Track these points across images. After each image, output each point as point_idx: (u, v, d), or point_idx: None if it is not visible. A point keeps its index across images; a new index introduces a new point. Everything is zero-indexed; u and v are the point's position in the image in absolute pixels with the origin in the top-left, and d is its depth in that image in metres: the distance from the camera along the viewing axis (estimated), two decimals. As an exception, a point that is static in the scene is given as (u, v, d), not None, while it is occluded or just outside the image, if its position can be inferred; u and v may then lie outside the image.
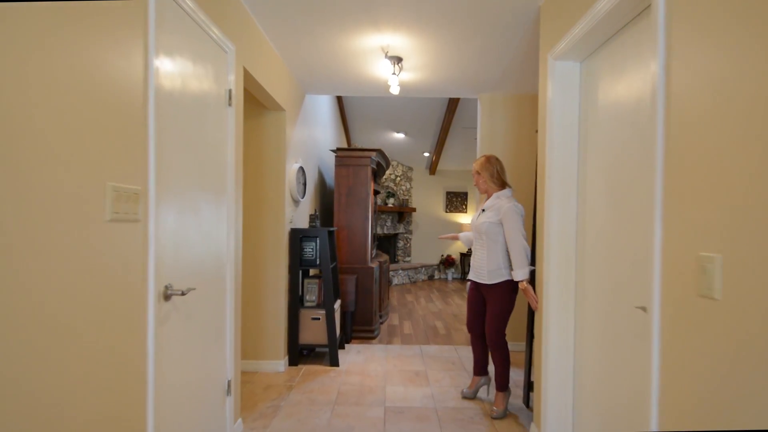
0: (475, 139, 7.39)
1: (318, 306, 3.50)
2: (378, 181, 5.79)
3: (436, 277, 9.32)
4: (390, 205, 8.61)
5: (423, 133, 7.66)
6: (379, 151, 4.75)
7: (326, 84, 3.77)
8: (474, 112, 6.53)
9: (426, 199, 9.37)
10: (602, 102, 1.88)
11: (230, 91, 2.10)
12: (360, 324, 4.42)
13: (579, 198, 2.09)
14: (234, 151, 2.16)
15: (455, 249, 9.35)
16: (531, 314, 2.71)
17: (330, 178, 5.43)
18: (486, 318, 2.64)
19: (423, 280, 8.97)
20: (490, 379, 2.87)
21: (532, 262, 2.62)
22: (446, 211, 9.37)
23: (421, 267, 8.92)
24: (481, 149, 3.94)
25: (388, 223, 8.75)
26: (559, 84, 2.11)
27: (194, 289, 1.67)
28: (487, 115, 3.94)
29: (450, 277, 9.17)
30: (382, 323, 5.12)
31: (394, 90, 3.35)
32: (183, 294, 1.57)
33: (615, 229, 1.71)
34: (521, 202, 3.94)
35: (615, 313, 1.69)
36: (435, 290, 7.81)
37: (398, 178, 9.15)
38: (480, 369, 2.88)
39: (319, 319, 3.45)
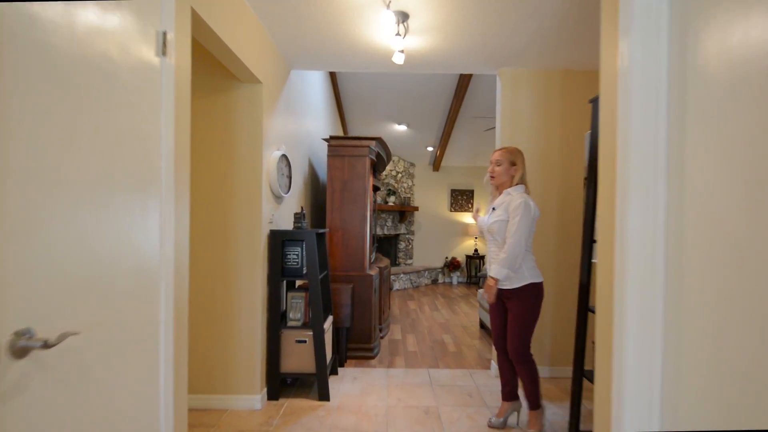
0: (486, 131, 6.76)
1: (304, 325, 2.86)
2: (378, 175, 5.15)
3: (440, 281, 8.67)
4: (390, 204, 7.96)
5: (427, 124, 7.01)
6: (379, 140, 4.11)
7: (315, 54, 3.11)
8: (485, 98, 5.89)
9: (429, 198, 8.72)
10: (713, 50, 1.24)
11: (164, 34, 1.45)
12: (357, 341, 3.78)
13: (670, 191, 1.44)
14: (173, 124, 1.51)
15: (461, 251, 8.71)
16: (580, 343, 2.07)
17: (323, 172, 4.79)
18: (508, 329, 2.33)
19: (426, 285, 8.33)
20: (521, 405, 2.51)
21: (587, 272, 2.00)
22: (451, 210, 8.73)
23: (424, 270, 8.28)
24: (502, 135, 3.29)
25: (389, 223, 8.11)
26: (639, 28, 1.47)
27: (77, 333, 1.03)
28: (508, 94, 3.29)
29: (455, 281, 8.53)
30: (382, 337, 4.48)
31: (398, 59, 2.71)
32: (47, 346, 0.93)
33: (758, 237, 1.07)
34: (551, 196, 3.33)
35: (760, 365, 1.05)
36: (440, 296, 7.17)
37: (399, 175, 8.51)
38: (509, 393, 2.49)
39: (305, 342, 2.80)
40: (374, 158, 4.12)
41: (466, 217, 8.72)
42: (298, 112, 3.67)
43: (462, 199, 8.74)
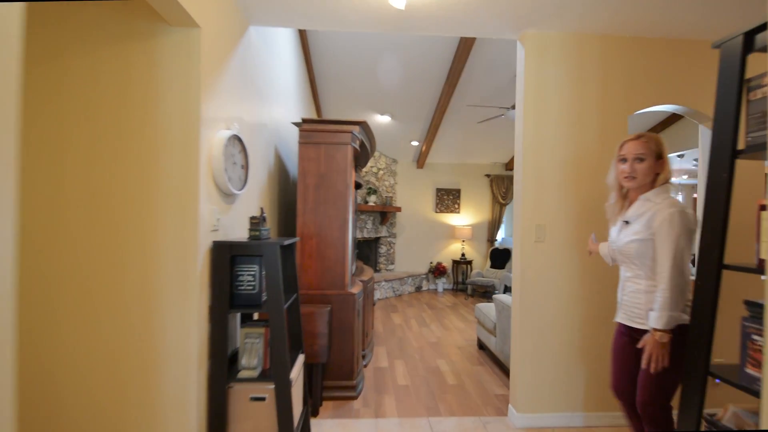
0: (480, 122, 6.04)
1: (263, 375, 2.04)
2: (359, 170, 4.36)
3: (424, 288, 7.95)
4: (371, 204, 7.18)
5: (413, 115, 6.26)
6: (364, 126, 3.32)
7: (282, 2, 2.30)
8: (481, 85, 5.16)
9: (413, 197, 7.99)
10: None
11: None
12: (335, 377, 2.99)
13: None
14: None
15: (446, 256, 8.01)
16: (692, 418, 1.35)
17: (293, 165, 3.97)
18: (639, 378, 1.71)
19: (410, 293, 7.58)
20: None
21: (711, 315, 1.29)
22: (436, 211, 8.02)
23: (407, 277, 7.54)
24: (525, 120, 2.57)
25: (369, 225, 7.32)
26: None
27: None
28: (533, 65, 2.57)
29: (440, 289, 7.82)
30: (365, 366, 3.70)
31: (398, 1, 1.93)
32: None
33: None
34: (586, 196, 2.64)
35: None
36: (426, 306, 6.44)
37: (381, 172, 7.72)
38: None
39: (264, 399, 1.99)
40: (357, 147, 3.33)
41: (453, 219, 8.03)
42: (260, 88, 2.83)
43: (448, 199, 8.04)
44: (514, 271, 2.64)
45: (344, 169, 3.11)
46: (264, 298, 2.03)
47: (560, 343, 2.56)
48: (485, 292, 7.33)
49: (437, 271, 7.76)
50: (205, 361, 1.90)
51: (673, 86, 2.60)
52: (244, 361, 2.04)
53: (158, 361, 1.78)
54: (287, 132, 3.72)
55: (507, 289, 7.33)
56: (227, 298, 1.96)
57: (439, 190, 8.02)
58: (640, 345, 1.64)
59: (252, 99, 2.61)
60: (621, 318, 1.80)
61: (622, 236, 1.72)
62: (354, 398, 2.99)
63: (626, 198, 1.76)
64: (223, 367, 1.93)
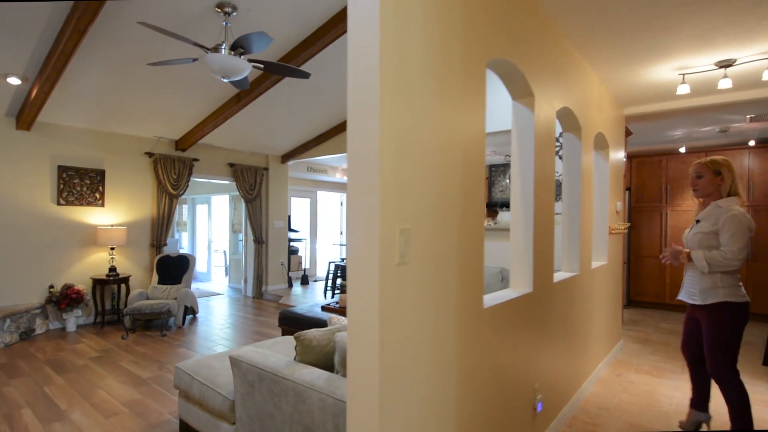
0: (153, 63, 3.76)
1: None
2: None
3: (40, 331, 4.79)
4: None
5: (11, 21, 3.36)
6: None
7: None
8: (171, 2, 3.12)
9: (8, 180, 4.63)
10: None
11: None
12: None
13: None
14: None
15: (82, 273, 5.16)
16: None
17: None
18: (704, 348, 2.18)
19: (7, 346, 4.31)
20: (710, 417, 2.40)
21: None
22: (60, 203, 4.99)
23: (2, 318, 4.25)
24: (383, 60, 1.18)
25: None
26: None
27: None
28: None
29: (73, 327, 4.92)
30: None
31: None
32: None
33: None
34: (455, 166, 1.51)
35: None
36: (50, 368, 3.68)
37: (-75, 126, 3.96)
38: (697, 401, 2.39)
39: None
40: None
41: (93, 216, 5.24)
42: None
43: (83, 185, 5.16)
44: (355, 322, 1.24)
45: None
46: None
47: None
48: (150, 322, 5.14)
49: (66, 299, 4.82)
50: None
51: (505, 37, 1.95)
52: None
53: None
54: None
55: (188, 311, 5.44)
56: None
57: (64, 169, 5.02)
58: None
59: None
60: (682, 296, 2.26)
61: (692, 230, 2.20)
62: None
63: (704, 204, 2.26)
64: None
